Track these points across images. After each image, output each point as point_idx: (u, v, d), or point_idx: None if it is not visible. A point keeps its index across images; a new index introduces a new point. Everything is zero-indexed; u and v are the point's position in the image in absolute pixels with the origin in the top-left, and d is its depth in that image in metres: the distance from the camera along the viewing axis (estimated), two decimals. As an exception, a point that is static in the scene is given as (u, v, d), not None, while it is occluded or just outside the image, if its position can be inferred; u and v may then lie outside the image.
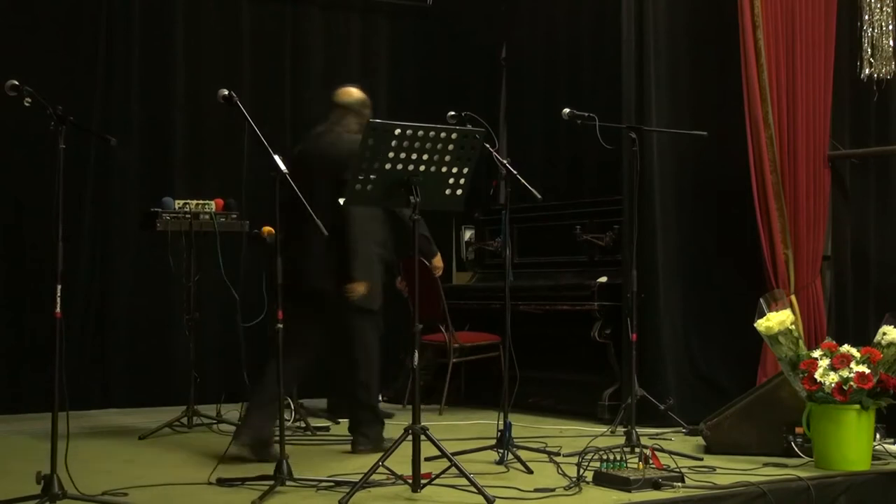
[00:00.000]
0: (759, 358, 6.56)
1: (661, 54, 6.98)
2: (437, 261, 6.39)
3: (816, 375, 5.12)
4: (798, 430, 5.36)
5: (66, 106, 4.35)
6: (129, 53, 8.05)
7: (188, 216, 6.60)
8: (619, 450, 4.89)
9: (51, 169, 4.29)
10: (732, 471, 5.01)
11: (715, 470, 5.04)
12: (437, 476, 4.54)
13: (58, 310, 4.23)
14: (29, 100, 4.27)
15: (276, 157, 4.64)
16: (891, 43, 6.68)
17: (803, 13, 6.79)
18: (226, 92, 4.78)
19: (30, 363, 7.08)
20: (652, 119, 6.84)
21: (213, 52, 8.41)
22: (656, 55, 6.94)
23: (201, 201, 6.69)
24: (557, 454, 5.43)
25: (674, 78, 7.03)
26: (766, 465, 5.19)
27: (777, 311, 5.42)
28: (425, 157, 4.65)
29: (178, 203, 6.64)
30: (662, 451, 5.28)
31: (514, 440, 5.36)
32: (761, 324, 5.38)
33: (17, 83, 4.28)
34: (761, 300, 5.54)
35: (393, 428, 6.19)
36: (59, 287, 4.24)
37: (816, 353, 5.22)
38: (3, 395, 7.35)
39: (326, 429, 6.64)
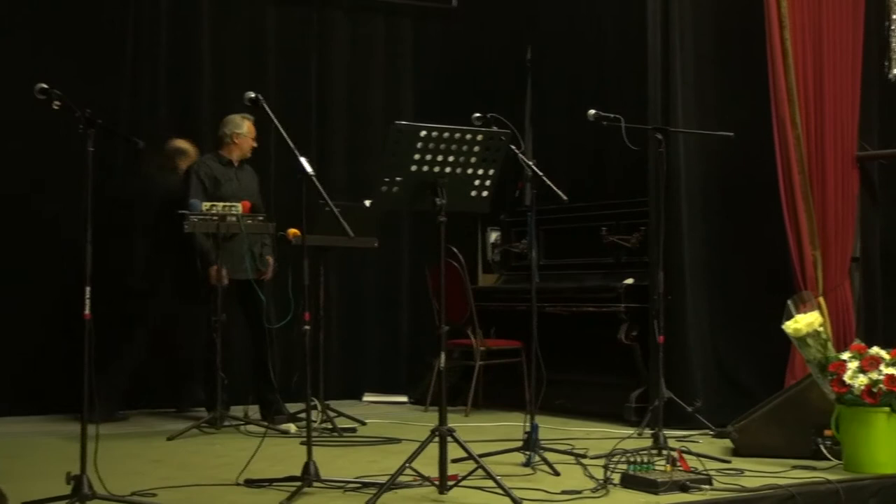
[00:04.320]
0: (787, 360, 6.53)
1: (687, 55, 6.96)
2: None
3: (845, 378, 5.09)
4: (827, 432, 5.33)
5: (93, 109, 4.37)
6: (155, 58, 8.09)
7: (215, 218, 6.62)
8: (646, 452, 4.88)
9: (79, 171, 4.31)
10: (761, 473, 4.98)
11: (743, 473, 5.01)
12: (464, 478, 4.54)
13: (87, 311, 4.26)
14: (58, 103, 4.30)
15: (302, 159, 4.65)
16: (919, 43, 6.65)
17: (830, 13, 6.75)
18: (252, 95, 4.79)
19: (59, 365, 7.11)
20: (678, 120, 6.82)
21: (239, 56, 8.44)
22: (682, 56, 6.92)
23: (228, 203, 6.72)
24: (584, 456, 5.41)
25: (700, 78, 7.01)
26: (794, 467, 5.16)
27: (805, 312, 5.39)
28: (451, 158, 4.65)
29: (206, 205, 6.67)
30: (690, 453, 5.26)
31: (541, 442, 5.36)
32: (789, 326, 5.36)
33: (46, 87, 4.31)
34: (789, 302, 5.51)
35: (419, 429, 6.21)
36: (88, 289, 4.27)
37: (845, 356, 5.19)
38: (34, 397, 7.40)
39: (353, 430, 6.65)
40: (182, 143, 7.56)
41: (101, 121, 4.37)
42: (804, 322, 5.31)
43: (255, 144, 7.19)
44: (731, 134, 6.11)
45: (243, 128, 7.15)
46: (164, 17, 8.12)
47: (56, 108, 4.30)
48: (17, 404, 7.38)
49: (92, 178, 4.31)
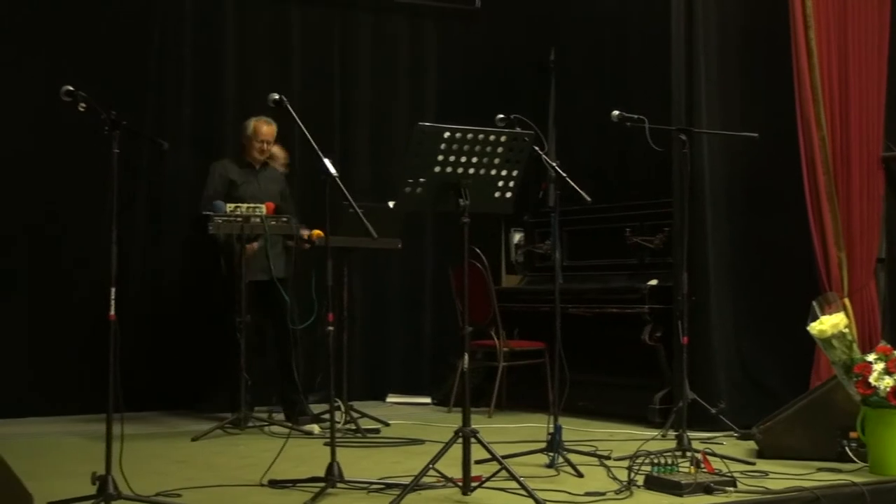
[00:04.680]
0: (812, 361, 6.50)
1: (711, 55, 6.93)
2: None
3: (871, 379, 5.06)
4: (852, 434, 5.30)
5: (118, 111, 4.39)
6: (180, 59, 8.13)
7: (239, 219, 6.65)
8: (670, 454, 4.87)
9: (104, 173, 4.34)
10: (785, 476, 4.96)
11: (768, 475, 4.99)
12: (488, 479, 4.54)
13: (112, 312, 4.29)
14: (84, 105, 4.33)
15: (326, 161, 4.66)
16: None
17: (856, 12, 6.72)
18: (276, 96, 4.80)
19: (85, 365, 7.15)
20: (702, 121, 6.79)
21: (263, 57, 8.47)
22: (706, 56, 6.90)
23: (252, 205, 6.74)
24: (608, 458, 5.40)
25: (724, 79, 6.98)
26: (819, 469, 5.14)
27: (830, 314, 5.37)
28: (474, 160, 4.65)
29: (230, 207, 6.70)
30: (714, 455, 5.23)
31: (565, 443, 5.35)
32: (814, 327, 5.33)
33: (71, 89, 4.33)
34: (814, 303, 5.48)
35: (442, 430, 6.21)
36: (113, 290, 4.29)
37: (871, 357, 5.16)
38: (60, 397, 7.44)
39: (377, 431, 6.66)
40: (274, 149, 7.62)
41: (125, 122, 4.39)
42: (829, 323, 5.28)
43: (263, 146, 7.17)
44: (756, 135, 6.08)
45: (248, 129, 7.18)
46: (188, 19, 8.16)
47: (82, 109, 4.33)
48: (44, 404, 7.43)
49: (117, 179, 4.33)
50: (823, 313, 5.39)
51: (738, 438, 6.19)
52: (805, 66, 6.55)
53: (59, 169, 7.51)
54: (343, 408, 6.68)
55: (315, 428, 6.62)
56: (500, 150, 4.69)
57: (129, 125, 4.43)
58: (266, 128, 7.16)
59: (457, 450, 4.49)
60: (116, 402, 4.25)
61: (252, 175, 7.19)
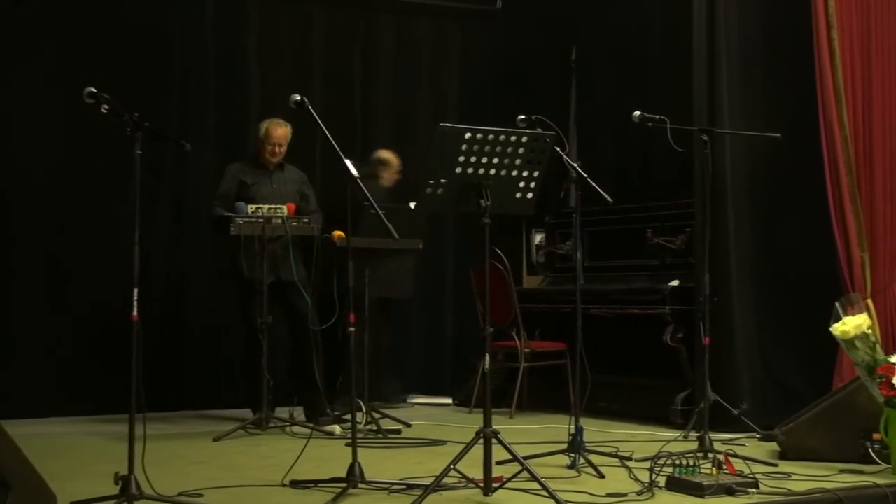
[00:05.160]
0: (834, 362, 6.47)
1: (733, 55, 6.91)
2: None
3: (894, 381, 5.04)
4: (875, 436, 5.27)
5: (141, 113, 4.41)
6: (203, 60, 8.18)
7: (261, 220, 6.67)
8: (692, 455, 4.85)
9: (127, 174, 4.36)
10: (808, 477, 4.94)
11: (790, 476, 4.97)
12: (509, 480, 4.54)
13: (134, 313, 4.31)
14: (106, 107, 4.35)
15: (347, 162, 4.67)
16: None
17: (879, 12, 6.70)
18: (298, 97, 4.81)
19: (108, 366, 7.18)
20: (724, 121, 6.77)
21: (285, 58, 8.50)
22: (728, 56, 6.88)
23: (273, 206, 6.76)
24: (629, 459, 5.39)
25: (746, 79, 6.96)
26: (842, 471, 5.12)
27: (853, 315, 5.34)
28: (496, 160, 4.65)
29: (251, 208, 6.72)
30: (736, 456, 5.22)
31: (586, 444, 5.35)
32: (837, 328, 5.31)
33: (94, 90, 4.36)
34: (837, 304, 5.46)
35: (463, 431, 6.21)
36: (135, 290, 4.31)
37: (894, 358, 5.14)
38: (82, 397, 7.49)
39: (398, 431, 6.67)
40: (385, 154, 7.67)
41: (148, 124, 4.41)
42: (852, 324, 5.26)
43: (275, 148, 7.17)
44: (778, 135, 6.05)
45: (261, 131, 7.20)
46: (210, 20, 8.21)
47: (105, 111, 4.35)
48: (67, 405, 7.47)
49: (140, 180, 4.35)
50: (846, 314, 5.37)
51: (761, 440, 6.17)
52: (827, 66, 6.53)
53: (82, 171, 7.56)
54: (364, 408, 6.69)
55: (336, 429, 6.63)
56: (521, 150, 4.69)
57: (152, 127, 4.45)
58: (279, 130, 7.15)
59: (478, 450, 4.49)
60: (139, 402, 4.27)
61: (265, 176, 7.20)
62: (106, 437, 6.40)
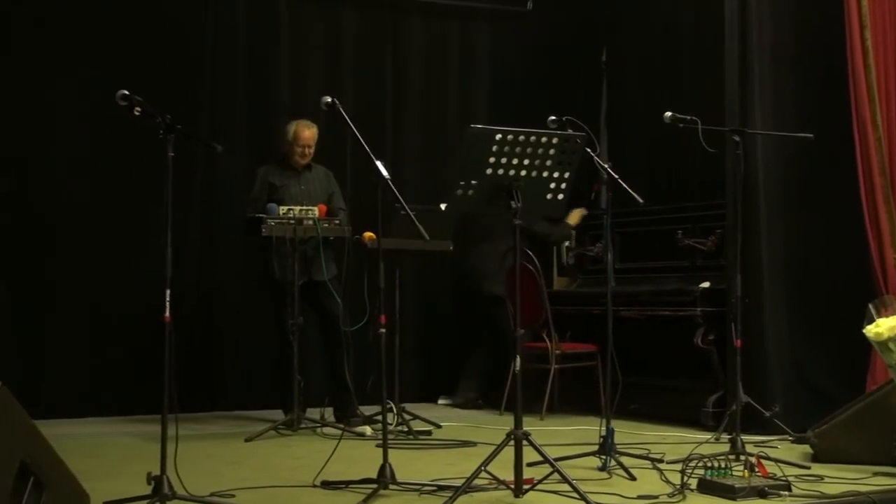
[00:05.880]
0: (868, 364, 6.42)
1: (766, 55, 6.88)
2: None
3: (928, 383, 5.00)
4: (909, 438, 5.24)
5: (173, 115, 4.44)
6: (233, 62, 8.21)
7: (292, 222, 6.70)
8: (723, 457, 4.83)
9: (159, 176, 4.38)
10: (841, 480, 4.91)
11: (823, 479, 4.93)
12: (540, 481, 4.54)
13: (167, 314, 4.33)
14: (139, 109, 4.38)
15: (378, 163, 4.68)
16: None
17: (913, 12, 6.64)
18: (329, 99, 4.82)
19: (140, 367, 7.23)
20: (756, 121, 6.74)
21: (316, 60, 8.53)
22: (760, 56, 6.84)
23: (305, 207, 6.78)
24: (661, 461, 5.38)
25: (778, 79, 6.92)
26: (875, 474, 5.08)
27: (887, 316, 5.30)
28: (526, 161, 4.65)
29: (283, 209, 6.75)
30: (768, 458, 5.18)
31: (617, 446, 5.33)
32: (871, 330, 5.27)
33: (127, 93, 4.38)
34: (870, 306, 5.42)
35: (494, 433, 6.21)
36: (167, 292, 4.34)
37: (928, 361, 5.10)
38: (115, 398, 7.53)
39: (429, 433, 6.67)
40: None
41: (180, 126, 4.43)
42: (886, 326, 5.21)
43: (304, 150, 7.18)
44: (811, 136, 6.01)
45: (289, 134, 7.20)
46: (241, 22, 8.24)
47: (137, 113, 4.38)
48: (100, 405, 7.53)
49: (171, 182, 4.37)
50: (880, 316, 5.32)
51: (793, 442, 6.14)
52: (861, 65, 6.48)
53: (114, 173, 7.60)
54: (395, 410, 6.70)
55: (367, 429, 6.65)
56: (551, 151, 4.69)
57: (184, 129, 4.48)
58: (307, 132, 7.16)
59: (509, 452, 4.49)
60: (171, 402, 4.29)
61: (294, 178, 7.21)
62: (138, 438, 6.44)
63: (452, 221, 7.00)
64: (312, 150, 7.22)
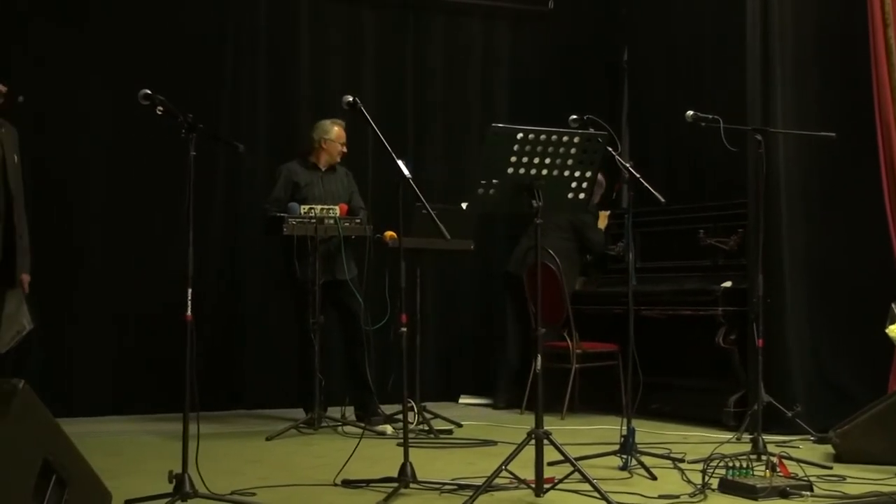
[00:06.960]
0: (890, 364, 6.39)
1: (787, 54, 6.85)
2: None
3: (952, 383, 4.98)
4: (932, 438, 5.21)
5: (195, 114, 4.45)
6: (254, 61, 8.24)
7: (313, 221, 6.71)
8: (745, 457, 4.82)
9: (181, 175, 4.40)
10: (863, 480, 4.89)
11: (845, 479, 4.91)
12: (560, 481, 4.53)
13: (188, 313, 4.35)
14: (161, 108, 4.39)
15: (399, 162, 4.68)
16: None
17: (937, 10, 6.60)
18: (350, 98, 4.82)
19: (162, 365, 7.25)
20: (778, 120, 6.72)
21: (337, 59, 8.54)
22: (782, 55, 6.82)
23: (326, 206, 6.80)
24: (682, 461, 5.37)
25: (800, 78, 6.89)
26: (898, 474, 5.06)
27: (910, 316, 5.28)
28: (548, 161, 4.64)
29: (304, 208, 6.76)
30: (790, 458, 5.16)
31: (638, 446, 5.32)
32: (893, 329, 5.25)
33: (149, 92, 4.40)
34: (893, 306, 5.40)
35: (515, 432, 6.21)
36: (189, 291, 4.35)
37: (951, 360, 5.07)
38: (138, 397, 7.57)
39: (449, 432, 6.67)
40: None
41: (202, 125, 4.45)
42: (909, 326, 5.20)
43: (343, 150, 7.23)
44: (833, 135, 5.98)
45: (332, 133, 7.21)
46: (262, 21, 8.27)
47: (159, 113, 4.39)
48: (122, 403, 7.56)
49: (193, 181, 4.39)
50: (902, 316, 5.31)
51: (815, 442, 6.12)
52: (884, 64, 6.45)
53: (136, 172, 7.64)
54: (416, 409, 6.71)
55: (388, 428, 6.65)
56: (573, 150, 4.68)
57: (206, 128, 4.49)
58: (343, 130, 7.22)
59: (529, 451, 4.49)
60: (193, 401, 4.31)
61: (316, 177, 7.23)
62: (160, 436, 6.47)
63: (474, 220, 6.99)
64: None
